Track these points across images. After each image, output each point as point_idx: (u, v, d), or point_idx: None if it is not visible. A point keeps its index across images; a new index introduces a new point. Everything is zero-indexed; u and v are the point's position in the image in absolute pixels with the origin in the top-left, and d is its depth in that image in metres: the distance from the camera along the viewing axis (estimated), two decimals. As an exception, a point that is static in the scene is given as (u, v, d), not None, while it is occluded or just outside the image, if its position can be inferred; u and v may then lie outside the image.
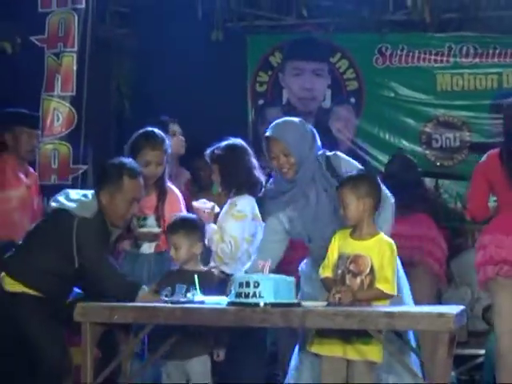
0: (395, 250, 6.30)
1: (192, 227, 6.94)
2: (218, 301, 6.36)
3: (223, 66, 11.36)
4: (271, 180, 7.16)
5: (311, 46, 11.82)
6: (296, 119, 7.10)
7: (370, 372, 6.44)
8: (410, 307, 6.50)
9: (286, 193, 6.96)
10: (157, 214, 7.71)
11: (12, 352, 7.28)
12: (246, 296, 5.99)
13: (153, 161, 7.74)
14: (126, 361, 6.76)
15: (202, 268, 6.97)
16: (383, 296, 6.17)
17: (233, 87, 11.68)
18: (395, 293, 6.22)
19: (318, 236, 6.83)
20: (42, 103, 10.00)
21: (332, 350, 6.43)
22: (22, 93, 10.22)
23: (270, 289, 5.98)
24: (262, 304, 5.96)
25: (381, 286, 6.15)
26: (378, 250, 6.23)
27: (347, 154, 7.94)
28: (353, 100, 11.77)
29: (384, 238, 6.32)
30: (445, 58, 11.50)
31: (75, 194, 7.31)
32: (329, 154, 6.93)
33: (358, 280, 6.19)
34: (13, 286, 7.10)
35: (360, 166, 6.88)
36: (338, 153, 7.00)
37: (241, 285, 6.03)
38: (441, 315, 5.84)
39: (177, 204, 7.86)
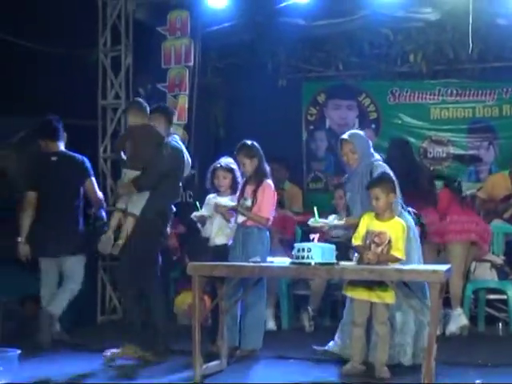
0: (405, 228, 6.32)
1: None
2: (283, 261, 6.35)
3: (286, 103, 11.34)
4: None
5: (345, 89, 11.74)
6: (361, 132, 7.32)
7: (386, 310, 6.42)
8: (414, 266, 6.45)
9: (348, 178, 7.09)
10: (252, 197, 7.32)
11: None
12: (302, 258, 5.99)
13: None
14: (221, 301, 6.74)
15: None
16: (396, 259, 6.15)
17: (292, 117, 11.66)
18: (404, 258, 6.20)
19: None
20: (165, 129, 10.04)
21: (360, 294, 6.42)
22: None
23: (318, 253, 5.98)
24: (312, 263, 5.95)
25: (395, 253, 6.16)
26: (394, 229, 6.27)
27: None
28: (373, 125, 11.67)
29: (398, 219, 6.36)
30: (436, 97, 11.37)
31: None
32: (375, 162, 6.92)
33: (380, 249, 6.19)
34: None
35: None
36: (380, 162, 6.95)
37: (298, 250, 6.03)
38: (434, 271, 5.80)
39: (267, 191, 7.34)
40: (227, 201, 7.42)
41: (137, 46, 10.55)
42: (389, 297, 6.38)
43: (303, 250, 6.00)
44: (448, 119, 11.41)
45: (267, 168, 7.44)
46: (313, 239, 6.16)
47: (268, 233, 7.34)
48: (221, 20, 10.10)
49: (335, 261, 6.11)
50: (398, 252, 6.18)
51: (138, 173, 7.20)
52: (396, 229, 6.27)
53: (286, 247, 8.62)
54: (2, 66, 11.89)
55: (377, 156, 7.04)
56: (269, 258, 6.55)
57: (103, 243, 7.22)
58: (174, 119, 9.92)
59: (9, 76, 12.17)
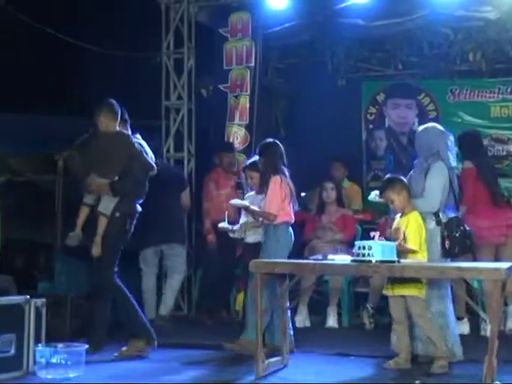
0: (419, 220, 6.49)
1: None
2: (344, 259, 6.34)
3: (345, 102, 11.30)
4: None
5: (404, 89, 11.67)
6: (433, 124, 7.33)
7: (419, 303, 6.48)
8: (475, 263, 6.40)
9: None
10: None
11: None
12: (363, 255, 5.98)
13: None
14: (282, 298, 6.74)
15: None
16: (410, 250, 6.36)
17: (352, 116, 11.63)
18: (417, 248, 6.38)
19: None
20: (227, 129, 10.10)
21: (387, 290, 6.57)
22: (214, 122, 10.36)
23: (378, 251, 5.94)
24: (373, 261, 5.93)
25: (407, 244, 6.38)
26: (407, 224, 6.48)
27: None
28: (433, 124, 11.60)
29: (414, 213, 6.53)
30: (496, 95, 11.25)
31: None
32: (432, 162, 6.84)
33: (397, 242, 6.34)
34: None
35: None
36: (439, 162, 6.82)
37: (359, 248, 6.02)
38: (496, 269, 5.73)
39: (272, 186, 7.27)
40: (237, 200, 7.67)
41: (199, 47, 10.64)
42: (420, 291, 6.45)
43: (364, 247, 5.98)
44: (508, 117, 11.27)
45: (277, 165, 7.34)
46: (373, 237, 6.13)
47: (288, 229, 7.27)
48: (281, 21, 10.12)
49: (396, 258, 6.08)
50: (410, 243, 6.37)
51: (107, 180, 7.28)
52: (409, 222, 6.46)
53: (348, 246, 8.62)
54: (69, 68, 12.08)
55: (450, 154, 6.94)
56: (330, 256, 6.54)
57: (71, 239, 7.39)
58: (236, 119, 10.05)
59: (75, 78, 12.35)
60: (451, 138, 7.00)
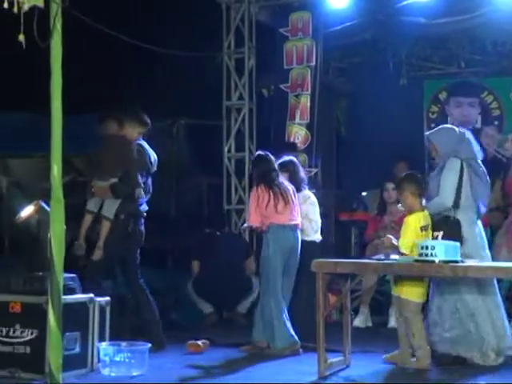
0: (414, 222, 6.47)
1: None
2: (408, 258, 6.30)
3: (407, 101, 11.23)
4: None
5: (467, 87, 11.57)
6: (449, 126, 7.21)
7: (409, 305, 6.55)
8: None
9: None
10: None
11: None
12: (426, 255, 5.93)
13: None
14: (345, 297, 6.74)
15: None
16: (399, 252, 6.39)
17: (413, 115, 11.54)
18: (404, 250, 6.37)
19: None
20: (287, 128, 10.11)
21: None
22: (275, 122, 10.38)
23: (441, 251, 5.89)
24: (436, 261, 5.88)
25: (400, 243, 6.45)
26: (404, 224, 6.53)
27: (492, 161, 7.73)
28: (496, 122, 11.47)
29: (413, 216, 6.52)
30: (560, 93, 11.15)
31: None
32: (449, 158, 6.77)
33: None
34: None
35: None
36: (453, 158, 6.72)
37: (422, 247, 5.97)
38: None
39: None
40: None
41: (259, 47, 10.68)
42: (414, 295, 6.52)
43: (427, 247, 5.93)
44: None
45: (263, 175, 7.40)
46: (436, 237, 6.09)
47: (276, 231, 7.28)
48: (342, 20, 10.12)
49: (459, 258, 6.02)
50: (401, 243, 6.41)
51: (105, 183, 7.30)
52: (407, 222, 6.51)
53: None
54: (130, 69, 12.18)
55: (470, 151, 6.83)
56: (392, 256, 6.50)
57: (77, 248, 7.40)
58: (297, 119, 10.04)
59: (136, 79, 12.45)
60: (467, 133, 6.90)
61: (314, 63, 10.07)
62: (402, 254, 6.38)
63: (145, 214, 7.49)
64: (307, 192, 7.82)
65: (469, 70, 11.38)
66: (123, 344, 6.27)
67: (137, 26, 11.26)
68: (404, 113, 11.09)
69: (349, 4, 9.97)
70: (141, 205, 7.45)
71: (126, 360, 6.14)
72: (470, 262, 6.08)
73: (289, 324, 7.24)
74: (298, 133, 10.04)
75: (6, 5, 4.73)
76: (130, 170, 7.34)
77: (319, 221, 7.97)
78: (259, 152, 7.64)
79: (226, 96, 10.74)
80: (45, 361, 5.46)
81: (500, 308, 6.68)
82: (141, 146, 7.52)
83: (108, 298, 6.47)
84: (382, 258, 6.36)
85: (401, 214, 9.14)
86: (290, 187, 7.47)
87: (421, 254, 5.98)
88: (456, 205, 6.61)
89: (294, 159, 7.76)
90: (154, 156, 7.65)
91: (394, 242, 6.52)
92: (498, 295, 6.73)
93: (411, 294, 6.53)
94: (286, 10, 10.34)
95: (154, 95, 12.16)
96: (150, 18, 12.11)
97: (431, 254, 5.90)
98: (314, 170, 9.85)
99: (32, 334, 5.93)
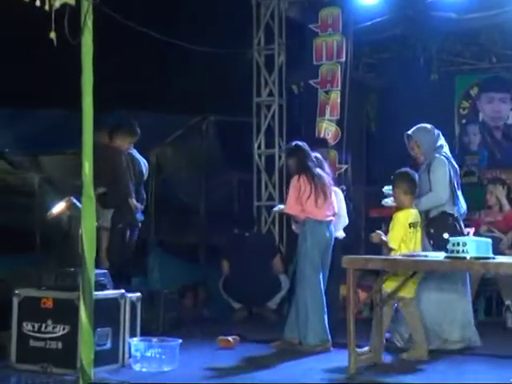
0: (402, 219, 6.67)
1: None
2: (438, 255, 6.27)
3: (438, 97, 11.17)
4: None
5: (499, 82, 11.48)
6: (428, 126, 7.60)
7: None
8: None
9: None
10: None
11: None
12: (457, 252, 5.90)
13: None
14: (375, 294, 6.71)
15: None
16: (389, 248, 6.62)
17: (444, 110, 11.46)
18: (393, 246, 6.58)
19: None
20: (317, 124, 10.09)
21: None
22: (305, 118, 10.37)
23: (473, 247, 5.86)
24: (468, 257, 5.85)
25: (388, 240, 6.64)
26: (393, 220, 6.71)
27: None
28: (528, 118, 11.43)
29: (402, 212, 6.73)
30: None
31: None
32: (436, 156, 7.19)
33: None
34: None
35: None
36: (439, 156, 7.19)
37: (453, 244, 5.94)
38: None
39: (290, 186, 7.56)
40: (278, 207, 8.07)
41: (289, 43, 10.67)
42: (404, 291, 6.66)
43: (458, 244, 5.91)
44: None
45: (303, 164, 7.42)
46: (468, 233, 6.06)
47: (315, 226, 7.30)
48: (372, 15, 10.07)
49: (491, 255, 5.98)
50: (390, 239, 6.60)
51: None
52: (395, 219, 6.68)
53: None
54: (159, 66, 12.21)
55: (446, 149, 7.19)
56: (423, 252, 6.48)
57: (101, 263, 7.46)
58: (327, 115, 10.02)
59: (167, 76, 12.48)
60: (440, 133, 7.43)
61: (343, 59, 10.03)
62: (391, 249, 6.54)
63: (139, 224, 7.57)
64: (334, 188, 7.82)
65: (500, 66, 11.30)
66: (154, 339, 6.31)
67: (166, 23, 11.29)
68: (435, 108, 11.00)
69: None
70: (137, 215, 7.52)
71: (157, 355, 6.18)
72: (501, 259, 6.05)
73: (325, 321, 7.22)
74: (328, 129, 10.01)
75: (37, 2, 4.77)
76: (119, 179, 7.38)
77: (347, 217, 7.96)
78: (296, 142, 7.62)
79: (256, 92, 10.75)
80: (76, 356, 5.49)
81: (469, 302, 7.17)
82: (131, 155, 7.59)
83: (139, 294, 6.51)
84: (413, 254, 6.35)
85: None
86: (327, 178, 7.48)
87: (452, 251, 5.95)
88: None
89: (319, 155, 7.74)
90: (145, 165, 7.72)
91: (384, 237, 6.66)
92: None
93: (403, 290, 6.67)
94: (315, 6, 10.31)
95: (183, 92, 12.19)
96: (180, 14, 12.12)
97: (462, 251, 5.88)
98: (344, 167, 9.81)
99: (64, 329, 5.99)
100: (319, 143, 9.58)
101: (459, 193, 7.23)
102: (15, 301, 6.20)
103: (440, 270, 6.22)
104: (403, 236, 6.64)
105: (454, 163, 7.32)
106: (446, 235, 6.52)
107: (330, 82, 10.11)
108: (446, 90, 11.51)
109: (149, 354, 6.16)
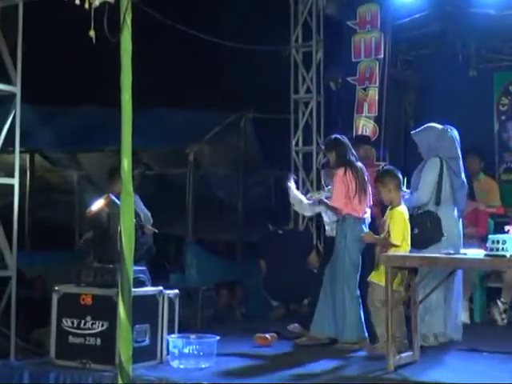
0: (403, 216, 6.73)
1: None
2: (477, 253, 6.22)
3: (477, 93, 11.05)
4: None
5: (540, 78, 11.37)
6: (434, 125, 7.60)
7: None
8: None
9: None
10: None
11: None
12: (497, 250, 5.86)
13: None
14: (413, 292, 6.65)
15: None
16: (391, 245, 6.61)
17: (483, 107, 11.33)
18: (398, 243, 6.60)
19: None
20: (355, 121, 10.05)
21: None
22: (342, 115, 10.34)
23: (513, 245, 5.82)
24: (507, 255, 5.80)
25: (391, 238, 6.63)
26: (391, 217, 6.72)
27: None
28: None
29: (398, 209, 6.75)
30: None
31: None
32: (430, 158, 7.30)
33: (383, 235, 6.73)
34: None
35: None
36: (434, 158, 7.25)
37: (493, 242, 5.90)
38: None
39: (334, 180, 7.47)
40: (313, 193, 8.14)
41: (327, 40, 10.66)
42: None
43: (498, 242, 5.87)
44: None
45: (346, 157, 7.38)
46: (507, 231, 6.00)
47: (356, 224, 7.25)
48: (410, 12, 10.01)
49: (531, 253, 5.92)
50: (393, 237, 6.59)
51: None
52: (393, 217, 6.69)
53: (480, 240, 8.45)
54: (197, 63, 12.25)
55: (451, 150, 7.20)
56: (462, 250, 6.43)
57: None
58: (365, 111, 9.98)
59: (204, 73, 12.52)
60: (452, 132, 7.40)
61: (382, 56, 9.99)
62: (391, 246, 6.57)
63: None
64: None
65: (541, 62, 11.18)
66: (192, 336, 6.32)
67: (205, 20, 11.32)
68: (473, 105, 10.92)
69: (417, -4, 9.88)
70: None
71: (195, 352, 6.19)
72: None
73: (362, 318, 7.19)
74: (365, 126, 9.98)
75: (77, 1, 4.79)
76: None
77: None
78: (335, 135, 7.59)
79: (294, 89, 10.75)
80: (115, 352, 5.50)
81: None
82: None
83: (177, 291, 6.53)
84: (452, 252, 6.30)
85: (470, 209, 9.05)
86: (365, 171, 7.46)
87: (492, 249, 5.91)
88: (437, 201, 7.10)
89: None
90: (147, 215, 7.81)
91: (376, 236, 6.77)
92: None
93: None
94: (353, 3, 10.28)
95: (221, 89, 12.22)
96: (218, 12, 12.15)
97: (502, 249, 5.83)
98: (382, 164, 9.76)
99: (103, 325, 6.03)
100: (363, 139, 9.56)
101: (461, 193, 7.28)
102: (55, 297, 6.26)
103: (479, 267, 6.17)
104: (404, 232, 6.68)
105: (458, 164, 7.31)
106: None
107: (367, 78, 10.07)
108: (485, 86, 11.38)
109: (186, 351, 6.18)
